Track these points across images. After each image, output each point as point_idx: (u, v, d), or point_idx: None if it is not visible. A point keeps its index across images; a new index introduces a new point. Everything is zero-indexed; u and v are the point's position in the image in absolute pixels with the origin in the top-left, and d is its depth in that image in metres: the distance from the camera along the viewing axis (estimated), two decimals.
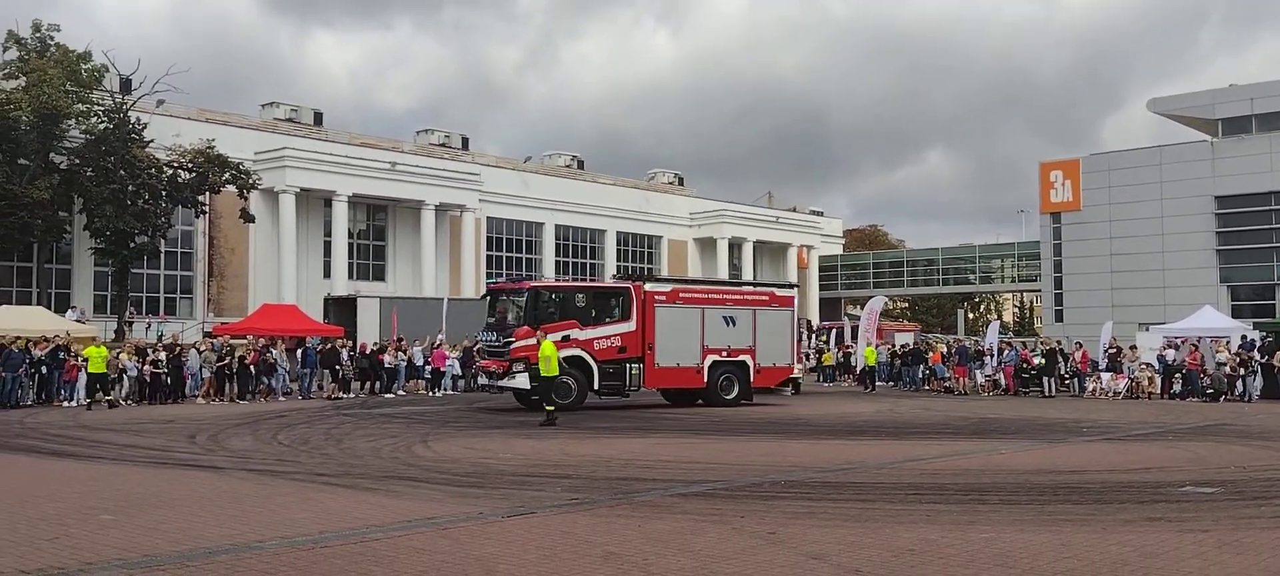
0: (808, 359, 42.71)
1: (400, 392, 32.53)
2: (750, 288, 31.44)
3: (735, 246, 68.90)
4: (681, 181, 72.80)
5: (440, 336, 36.59)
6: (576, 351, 24.74)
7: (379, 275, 53.54)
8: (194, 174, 41.33)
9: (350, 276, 50.12)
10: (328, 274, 49.48)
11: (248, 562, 7.81)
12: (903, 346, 42.01)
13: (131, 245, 40.33)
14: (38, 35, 39.35)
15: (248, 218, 43.92)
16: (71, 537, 8.77)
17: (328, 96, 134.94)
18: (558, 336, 23.80)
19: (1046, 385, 33.14)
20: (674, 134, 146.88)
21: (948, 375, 35.85)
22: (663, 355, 25.99)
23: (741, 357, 26.98)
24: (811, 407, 27.69)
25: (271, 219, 47.72)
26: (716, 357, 26.63)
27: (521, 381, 24.51)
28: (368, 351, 32.98)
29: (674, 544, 8.62)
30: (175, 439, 17.82)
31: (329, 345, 32.32)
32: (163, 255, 45.13)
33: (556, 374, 21.54)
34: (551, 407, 20.95)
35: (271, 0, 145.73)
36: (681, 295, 26.98)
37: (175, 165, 41.16)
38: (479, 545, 8.54)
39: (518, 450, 16.24)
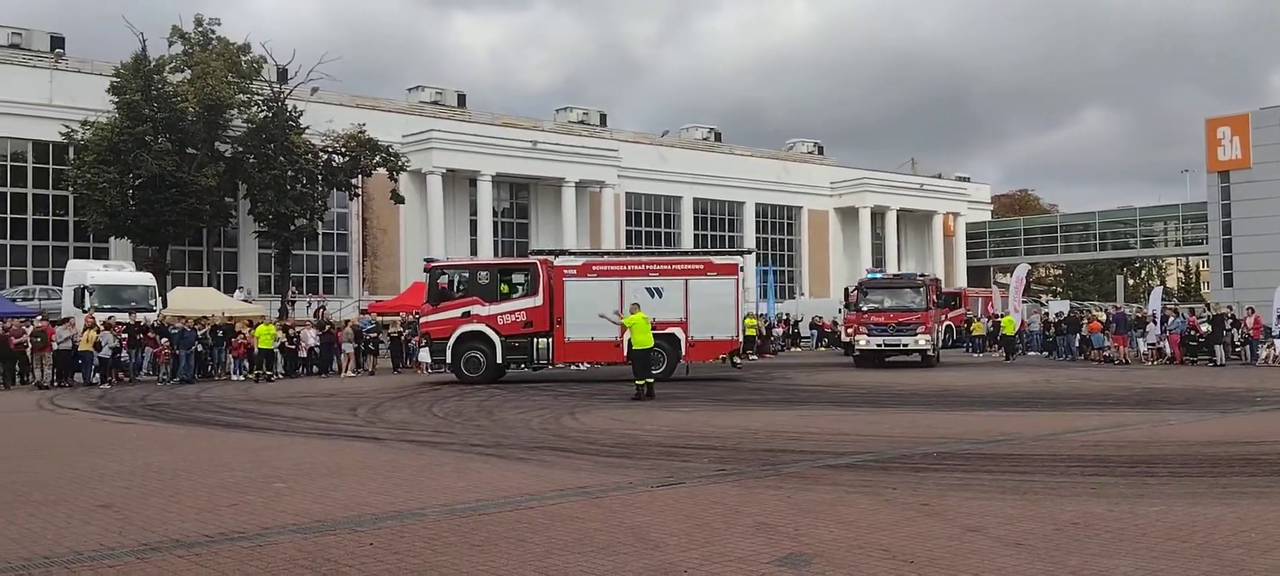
0: (944, 331, 41.85)
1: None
2: (683, 257, 30.12)
3: (878, 215, 67.54)
4: (821, 150, 71.71)
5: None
6: (479, 327, 25.73)
7: (523, 252, 54.62)
8: (347, 158, 43.01)
9: (495, 253, 51.33)
10: (474, 251, 50.79)
11: (412, 529, 8.12)
12: (1057, 315, 40.44)
13: (292, 228, 42.28)
14: (200, 29, 41.49)
15: (398, 199, 45.45)
16: (249, 504, 9.29)
17: (470, 78, 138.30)
18: (459, 312, 25.80)
19: (1217, 353, 31.36)
20: (812, 102, 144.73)
21: (1106, 344, 34.33)
22: (574, 329, 25.81)
23: (670, 330, 25.66)
24: (961, 378, 26.98)
25: (420, 199, 49.25)
26: None
27: (423, 356, 27.12)
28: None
29: (825, 514, 8.55)
30: (338, 411, 18.64)
31: None
32: (320, 237, 47.16)
33: (650, 345, 21.20)
34: (646, 381, 20.43)
35: None
36: (595, 268, 26.53)
37: (330, 150, 42.90)
38: (630, 514, 8.65)
39: (662, 422, 16.36)
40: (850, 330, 33.24)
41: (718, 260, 27.32)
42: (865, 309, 32.11)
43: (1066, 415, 17.18)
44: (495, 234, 52.42)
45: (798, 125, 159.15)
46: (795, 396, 21.58)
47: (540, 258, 27.12)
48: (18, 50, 42.93)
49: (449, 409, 18.91)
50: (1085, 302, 58.96)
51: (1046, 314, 42.24)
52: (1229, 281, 50.41)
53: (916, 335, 30.83)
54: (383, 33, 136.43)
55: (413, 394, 22.45)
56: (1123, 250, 70.61)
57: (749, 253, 32.58)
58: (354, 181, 44.74)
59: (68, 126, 38.75)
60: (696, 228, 61.70)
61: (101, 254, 39.87)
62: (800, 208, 66.66)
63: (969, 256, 71.67)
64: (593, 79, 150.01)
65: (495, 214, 52.94)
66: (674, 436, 14.27)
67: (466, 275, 26.99)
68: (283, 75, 43.14)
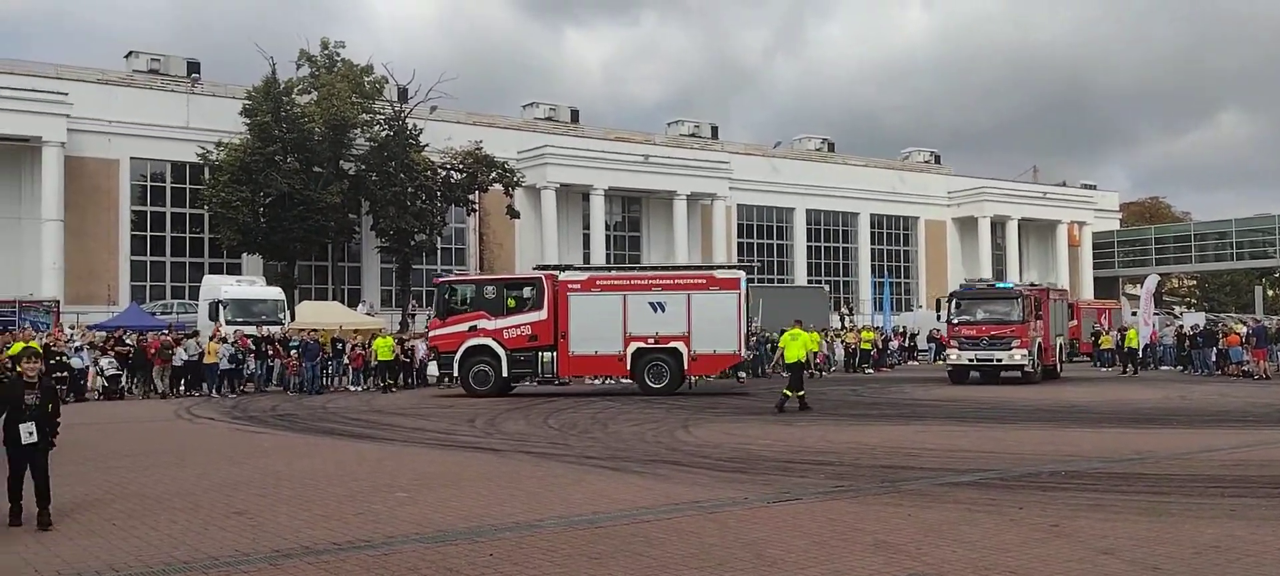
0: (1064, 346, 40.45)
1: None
2: (686, 271, 29.59)
3: (998, 225, 65.77)
4: (938, 159, 70.23)
5: None
6: (485, 341, 26.02)
7: (635, 264, 55.01)
8: (464, 174, 44.00)
9: (608, 266, 51.72)
10: (587, 264, 51.26)
11: (530, 540, 8.22)
12: (1193, 327, 38.68)
13: (412, 243, 43.44)
14: (326, 52, 43.04)
15: (513, 214, 46.26)
16: (373, 513, 9.54)
17: (583, 92, 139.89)
18: (465, 326, 26.21)
19: None
20: (930, 109, 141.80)
21: (1245, 359, 32.64)
22: (578, 343, 25.84)
23: (673, 344, 25.73)
24: (1089, 393, 26.02)
25: (534, 213, 50.03)
26: (641, 345, 25.77)
27: (432, 369, 27.43)
28: None
29: (947, 534, 8.33)
30: (456, 422, 19.02)
31: None
32: (438, 251, 48.31)
33: (802, 358, 21.79)
34: (796, 392, 20.73)
35: (527, 4, 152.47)
36: (599, 283, 26.64)
37: (448, 167, 43.96)
38: (746, 529, 8.59)
39: (778, 436, 16.21)
40: (945, 344, 33.09)
41: (720, 274, 27.31)
42: (955, 321, 30.95)
43: (1203, 433, 16.40)
44: (607, 247, 52.86)
45: (914, 133, 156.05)
46: (913, 411, 21.12)
47: (545, 272, 27.29)
48: (157, 76, 45.24)
49: (564, 421, 19.11)
50: (1221, 314, 56.21)
51: (1181, 327, 40.42)
52: None
53: (1011, 349, 29.17)
54: (498, 50, 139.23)
55: (528, 406, 22.76)
56: (1262, 260, 67.10)
57: (749, 267, 31.22)
58: (471, 197, 45.72)
59: (203, 148, 40.61)
60: (809, 239, 61.09)
61: (234, 269, 41.62)
62: (917, 218, 65.38)
63: (1096, 267, 69.15)
64: (704, 91, 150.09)
65: (607, 227, 53.40)
66: (789, 451, 14.13)
67: (474, 290, 27.53)
68: (403, 94, 44.40)
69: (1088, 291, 65.36)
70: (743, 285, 26.49)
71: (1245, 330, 34.94)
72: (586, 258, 51.62)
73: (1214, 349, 34.70)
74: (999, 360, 29.53)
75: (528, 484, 11.36)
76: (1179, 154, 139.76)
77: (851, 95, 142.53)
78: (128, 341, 28.76)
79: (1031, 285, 34.68)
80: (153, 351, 27.88)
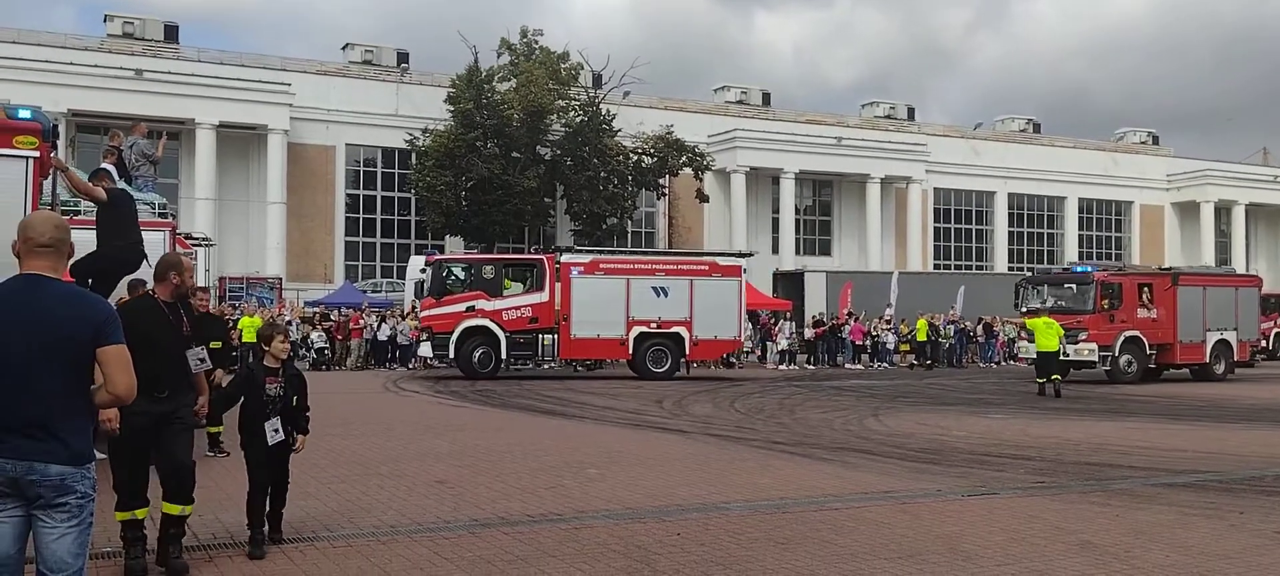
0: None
1: (853, 365, 32.91)
2: (689, 257, 29.10)
3: (1222, 211, 61.12)
4: (1156, 140, 65.85)
5: (889, 310, 36.35)
6: (483, 321, 25.46)
7: (825, 249, 54.19)
8: (655, 159, 44.46)
9: (797, 251, 51.17)
10: (775, 249, 50.86)
11: (717, 522, 8.25)
12: None
13: (604, 226, 44.28)
14: (525, 40, 44.33)
15: (702, 198, 46.41)
16: (565, 488, 9.81)
17: (775, 75, 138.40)
18: (463, 306, 25.54)
19: None
20: (1146, 87, 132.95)
21: None
22: (580, 326, 25.62)
23: (675, 329, 25.89)
24: None
25: (723, 197, 50.02)
26: (644, 329, 25.80)
27: (425, 349, 26.50)
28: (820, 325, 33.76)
29: (1160, 537, 7.83)
30: (645, 403, 19.31)
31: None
32: (629, 235, 49.03)
33: (1055, 348, 22.21)
34: (1052, 378, 21.70)
35: None
36: (603, 266, 26.38)
37: (639, 151, 44.53)
38: (939, 522, 8.34)
39: (974, 428, 15.66)
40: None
41: (722, 261, 27.33)
42: (1023, 309, 28.03)
43: None
44: (797, 231, 52.26)
45: (1129, 112, 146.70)
46: (1123, 407, 19.95)
47: (546, 254, 26.98)
48: (370, 66, 47.81)
49: (751, 405, 19.08)
50: None
51: None
52: None
53: (1078, 343, 25.72)
54: (690, 33, 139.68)
55: (715, 389, 22.85)
56: None
57: (751, 254, 29.88)
58: (661, 181, 46.16)
59: (411, 134, 42.68)
60: (1011, 225, 58.52)
61: (438, 251, 43.60)
62: (1131, 203, 61.54)
63: None
64: (900, 72, 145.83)
65: (797, 211, 52.79)
66: (986, 443, 13.62)
67: (471, 269, 26.89)
68: (597, 80, 45.23)
69: None
70: (743, 273, 26.83)
71: None
72: (774, 243, 51.21)
73: None
74: (1065, 355, 25.64)
75: (715, 466, 11.41)
76: None
77: (1059, 73, 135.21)
78: (333, 317, 30.90)
79: (1116, 269, 29.71)
80: (351, 327, 29.90)
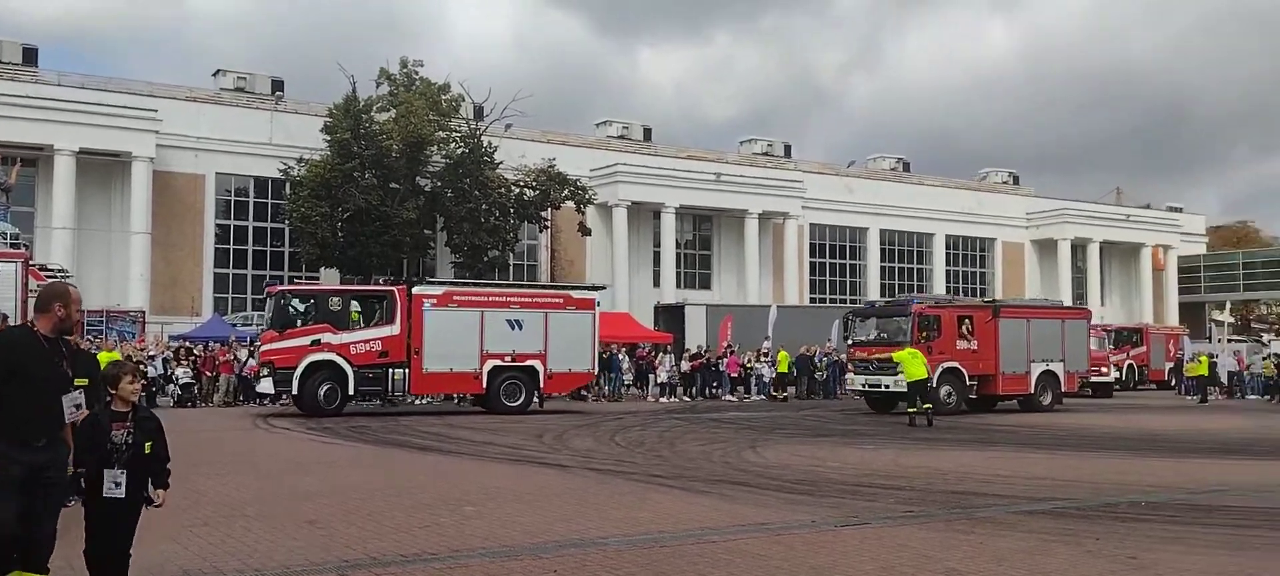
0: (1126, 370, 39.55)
1: (729, 398, 33.31)
2: (544, 290, 29.25)
3: (1078, 248, 64.28)
4: (1016, 180, 68.95)
5: (766, 342, 36.97)
6: (329, 355, 24.28)
7: (705, 283, 54.85)
8: (537, 192, 44.38)
9: (678, 285, 51.68)
10: (657, 283, 51.30)
11: (594, 558, 8.22)
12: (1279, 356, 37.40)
13: (485, 259, 43.92)
14: (405, 71, 43.79)
15: (584, 231, 46.50)
16: (440, 526, 9.63)
17: (657, 110, 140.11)
18: (308, 340, 24.28)
19: None
20: (1009, 130, 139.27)
21: None
22: (432, 360, 24.94)
23: (530, 363, 25.60)
24: (1169, 422, 25.23)
25: (605, 231, 50.23)
26: (498, 362, 25.36)
27: (266, 386, 24.72)
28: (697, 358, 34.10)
29: (1021, 564, 8.13)
30: (525, 437, 19.14)
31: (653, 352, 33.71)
32: (511, 268, 48.74)
33: (924, 376, 23.00)
34: (922, 407, 22.57)
35: (600, 22, 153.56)
36: (456, 298, 25.77)
37: (521, 184, 44.40)
38: (813, 553, 8.48)
39: (847, 459, 16.02)
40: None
41: (576, 294, 27.38)
42: (850, 342, 29.07)
43: None
44: (678, 265, 52.82)
45: (993, 153, 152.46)
46: (989, 437, 20.70)
47: (397, 286, 26.34)
48: (242, 94, 46.53)
49: (631, 438, 19.11)
50: None
51: (1270, 355, 39.14)
52: None
53: (896, 374, 25.63)
54: (572, 69, 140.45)
55: (596, 423, 22.81)
56: None
57: (603, 288, 30.47)
58: (543, 214, 46.09)
59: (285, 163, 41.62)
60: (883, 259, 60.36)
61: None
62: (994, 239, 64.21)
63: (1182, 292, 67.17)
64: (779, 110, 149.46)
65: (678, 245, 53.37)
66: (859, 474, 13.94)
67: (317, 300, 25.82)
68: (479, 112, 44.97)
69: (1173, 317, 63.54)
70: (597, 306, 26.89)
71: None
72: (657, 276, 51.66)
73: None
74: (885, 386, 26.80)
75: (593, 500, 11.37)
76: (1273, 176, 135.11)
77: (929, 114, 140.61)
78: (197, 351, 29.82)
79: (933, 302, 30.45)
80: (218, 361, 28.90)
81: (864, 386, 28.00)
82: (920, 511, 10.78)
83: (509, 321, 25.72)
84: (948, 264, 62.28)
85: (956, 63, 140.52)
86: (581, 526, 9.66)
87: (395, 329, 25.07)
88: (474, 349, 25.31)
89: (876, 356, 27.16)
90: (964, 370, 27.27)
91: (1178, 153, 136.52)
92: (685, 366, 34.22)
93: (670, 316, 43.00)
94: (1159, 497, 11.95)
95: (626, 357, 34.52)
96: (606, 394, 32.29)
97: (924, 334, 26.67)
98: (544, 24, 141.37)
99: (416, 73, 43.76)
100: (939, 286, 60.19)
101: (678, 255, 53.01)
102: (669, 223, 51.76)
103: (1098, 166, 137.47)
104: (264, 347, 25.08)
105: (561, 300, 26.99)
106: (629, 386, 34.09)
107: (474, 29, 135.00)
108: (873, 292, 58.56)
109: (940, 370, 26.21)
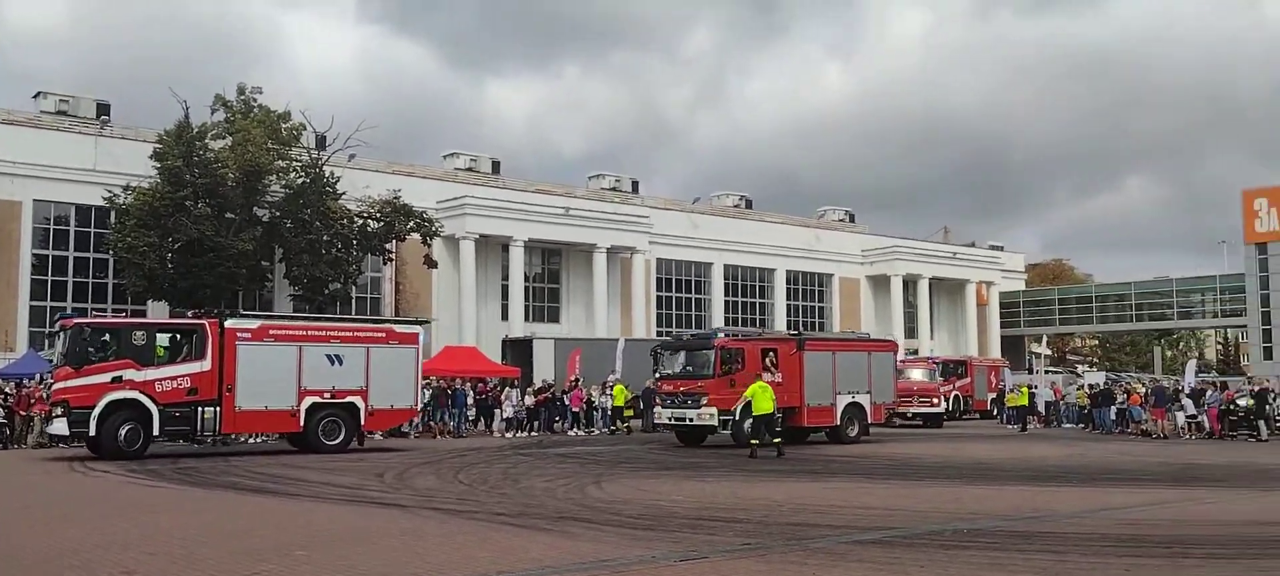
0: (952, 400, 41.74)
1: (574, 432, 33.31)
2: (365, 324, 28.18)
3: (909, 284, 67.24)
4: (852, 218, 71.71)
5: (613, 376, 37.14)
6: (131, 393, 22.64)
7: (553, 317, 54.81)
8: (382, 223, 43.50)
9: (526, 318, 51.46)
10: (505, 316, 50.93)
11: None
12: (1092, 387, 39.96)
13: (326, 292, 42.69)
14: (242, 98, 42.33)
15: (431, 264, 45.81)
16: (267, 572, 9.27)
17: (506, 145, 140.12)
18: (107, 377, 22.59)
19: (1260, 429, 30.71)
20: (846, 169, 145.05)
21: (1144, 417, 33.77)
22: (246, 397, 23.72)
23: (350, 399, 24.73)
24: (993, 450, 26.58)
25: (452, 264, 49.63)
26: (317, 399, 24.42)
27: (59, 427, 22.75)
28: (545, 392, 34.01)
29: None
30: (365, 477, 18.63)
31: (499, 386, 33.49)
32: (354, 301, 47.53)
33: (771, 410, 23.67)
34: (763, 441, 23.27)
35: (449, 54, 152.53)
36: (272, 331, 24.70)
37: (365, 215, 43.44)
38: None
39: (689, 493, 16.22)
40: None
41: (399, 327, 26.67)
42: (659, 375, 29.02)
43: (1101, 491, 16.85)
44: (526, 299, 52.61)
45: (832, 191, 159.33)
46: (826, 468, 21.34)
47: (209, 319, 24.52)
48: (65, 117, 43.98)
49: (475, 476, 18.86)
50: (1122, 374, 58.15)
51: (1083, 385, 41.76)
52: (1269, 354, 49.55)
53: (700, 407, 26.41)
54: (420, 100, 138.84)
55: (440, 460, 22.42)
56: (1160, 321, 69.71)
57: (427, 322, 30.33)
58: (388, 246, 45.20)
59: (111, 191, 39.53)
60: (727, 294, 61.65)
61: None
62: (831, 275, 66.50)
63: (1003, 326, 71.02)
64: (627, 146, 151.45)
65: (527, 278, 53.17)
66: (700, 508, 14.13)
67: (118, 334, 23.80)
68: (321, 142, 43.84)
69: (995, 349, 67.00)
70: (420, 340, 26.30)
71: (1144, 389, 36.21)
72: (505, 309, 51.33)
73: (1114, 407, 35.82)
74: (689, 419, 27.04)
75: (432, 541, 11.16)
76: (1087, 217, 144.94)
77: (771, 153, 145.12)
78: (9, 389, 27.91)
79: (733, 335, 31.11)
80: (33, 399, 27.09)
81: (671, 420, 27.96)
82: (758, 543, 11.01)
83: (329, 356, 24.67)
84: (788, 298, 64.09)
85: (797, 104, 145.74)
86: (419, 568, 9.46)
87: (206, 364, 23.52)
88: (291, 385, 24.21)
89: (683, 389, 27.16)
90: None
91: (1000, 194, 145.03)
92: (530, 401, 34.01)
93: (518, 350, 42.71)
94: (981, 525, 12.55)
95: (471, 392, 34.08)
96: (450, 430, 31.74)
97: (726, 367, 26.83)
98: (391, 54, 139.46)
99: (255, 99, 42.36)
100: (780, 321, 61.86)
101: (526, 288, 52.79)
102: (517, 256, 51.55)
103: (928, 206, 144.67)
104: (57, 385, 23.05)
105: (384, 334, 26.13)
106: (474, 422, 33.64)
107: (318, 57, 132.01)
108: (718, 326, 59.71)
109: (743, 403, 26.01)
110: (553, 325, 53.35)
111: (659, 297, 58.74)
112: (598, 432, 33.84)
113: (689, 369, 27.60)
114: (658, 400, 28.99)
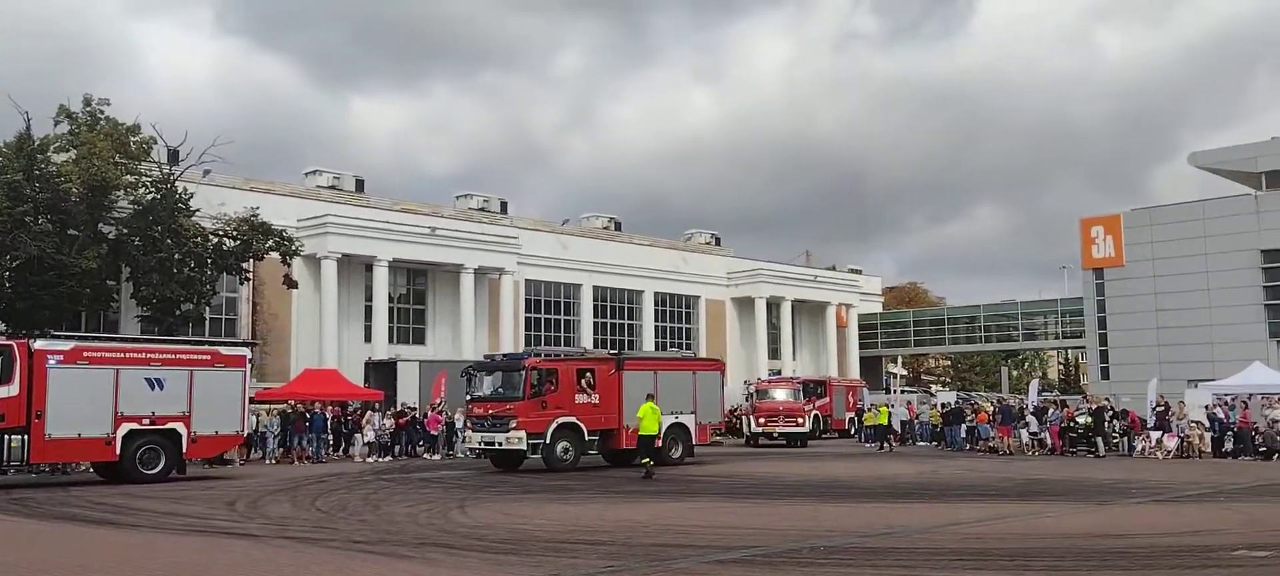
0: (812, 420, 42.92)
1: (438, 456, 32.78)
2: (188, 347, 26.63)
3: (773, 306, 68.70)
4: (718, 241, 72.92)
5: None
6: None
7: (419, 338, 53.87)
8: (238, 242, 41.98)
9: (391, 340, 50.43)
10: (368, 338, 49.81)
11: None
12: (945, 406, 41.56)
13: (177, 313, 40.91)
14: (88, 109, 40.33)
15: (290, 284, 44.44)
16: None
17: (371, 162, 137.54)
18: None
19: (1098, 445, 32.46)
20: (713, 193, 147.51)
21: (992, 435, 35.30)
22: (57, 424, 22.17)
23: (172, 425, 23.49)
24: (851, 469, 27.33)
25: (313, 284, 48.28)
26: (135, 426, 23.05)
27: None
28: (407, 414, 33.32)
29: None
30: (215, 506, 17.90)
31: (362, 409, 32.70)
32: (207, 322, 45.73)
33: (655, 432, 25.01)
34: (647, 462, 24.42)
35: (311, 70, 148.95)
36: (87, 354, 23.15)
37: (220, 233, 41.86)
38: None
39: (553, 515, 16.14)
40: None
41: (226, 351, 25.79)
42: (468, 398, 28.12)
43: (950, 507, 17.51)
44: (391, 320, 51.58)
45: (699, 215, 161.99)
46: (688, 488, 21.55)
47: (17, 341, 22.95)
48: None
49: (334, 503, 18.34)
50: (972, 393, 60.65)
51: (936, 405, 43.38)
52: (1105, 374, 52.36)
53: (509, 431, 25.77)
54: (280, 116, 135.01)
55: (297, 486, 21.73)
56: (1006, 342, 73.04)
57: (254, 345, 29.94)
58: (245, 265, 43.63)
59: None
60: (596, 315, 61.77)
61: None
62: (698, 297, 67.39)
63: (861, 347, 73.23)
64: (496, 166, 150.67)
65: (391, 299, 52.15)
66: (563, 531, 14.08)
67: None
68: (173, 156, 42.07)
69: (855, 369, 69.00)
70: (248, 364, 25.55)
71: (992, 408, 37.85)
72: (368, 331, 50.22)
73: (963, 426, 37.32)
74: (498, 443, 26.26)
75: (286, 573, 10.79)
76: (940, 242, 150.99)
77: (641, 176, 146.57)
78: None
79: (551, 354, 30.93)
80: None
81: (480, 444, 27.15)
82: (620, 565, 11.02)
83: (149, 380, 23.34)
84: (656, 320, 64.66)
85: (664, 127, 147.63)
86: None
87: (13, 389, 21.82)
88: (106, 411, 22.74)
89: (492, 412, 26.44)
90: (583, 425, 26.79)
91: (860, 219, 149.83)
92: (389, 424, 33.31)
93: (382, 372, 41.89)
94: (836, 541, 12.88)
95: (331, 416, 33.18)
96: (309, 455, 30.82)
97: (537, 388, 26.21)
98: (250, 68, 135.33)
99: (101, 111, 40.40)
100: (649, 342, 62.34)
101: (391, 310, 51.77)
102: (381, 276, 50.51)
103: (792, 230, 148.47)
104: None
105: (209, 357, 24.74)
106: (333, 447, 32.72)
107: (172, 70, 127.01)
108: (587, 347, 59.77)
109: (556, 425, 25.82)
110: (418, 347, 52.43)
111: (528, 319, 58.42)
112: (460, 456, 33.33)
113: (500, 390, 26.77)
114: (469, 424, 28.15)
